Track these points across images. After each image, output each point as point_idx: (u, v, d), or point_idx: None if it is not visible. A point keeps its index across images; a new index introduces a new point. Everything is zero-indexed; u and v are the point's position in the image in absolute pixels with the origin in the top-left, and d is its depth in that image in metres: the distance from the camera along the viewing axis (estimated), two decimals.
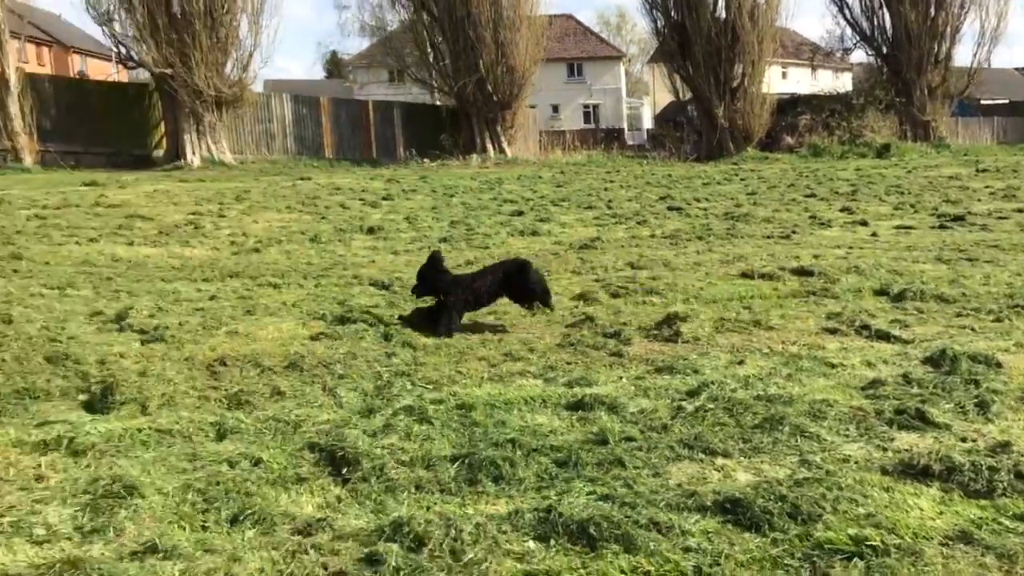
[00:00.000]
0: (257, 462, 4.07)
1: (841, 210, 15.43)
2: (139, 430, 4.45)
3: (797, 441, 4.29)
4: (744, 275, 8.87)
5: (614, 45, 69.96)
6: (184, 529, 3.45)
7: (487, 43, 35.38)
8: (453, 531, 3.19)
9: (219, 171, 27.92)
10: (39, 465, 4.02)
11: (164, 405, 4.91)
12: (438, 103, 41.11)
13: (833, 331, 6.55)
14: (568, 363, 5.82)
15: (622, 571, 3.04)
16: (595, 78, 62.12)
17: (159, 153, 31.05)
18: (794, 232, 12.50)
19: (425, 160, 34.28)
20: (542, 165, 34.03)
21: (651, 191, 20.27)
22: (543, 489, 3.81)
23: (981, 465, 3.80)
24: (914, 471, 3.86)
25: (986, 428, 4.45)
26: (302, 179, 24.07)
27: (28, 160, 27.37)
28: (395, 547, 3.12)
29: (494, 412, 4.77)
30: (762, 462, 4.07)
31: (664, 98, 64.90)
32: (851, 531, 3.27)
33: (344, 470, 3.97)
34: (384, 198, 18.66)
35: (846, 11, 43.88)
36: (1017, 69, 74.82)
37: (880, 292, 7.89)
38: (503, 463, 3.95)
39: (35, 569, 3.09)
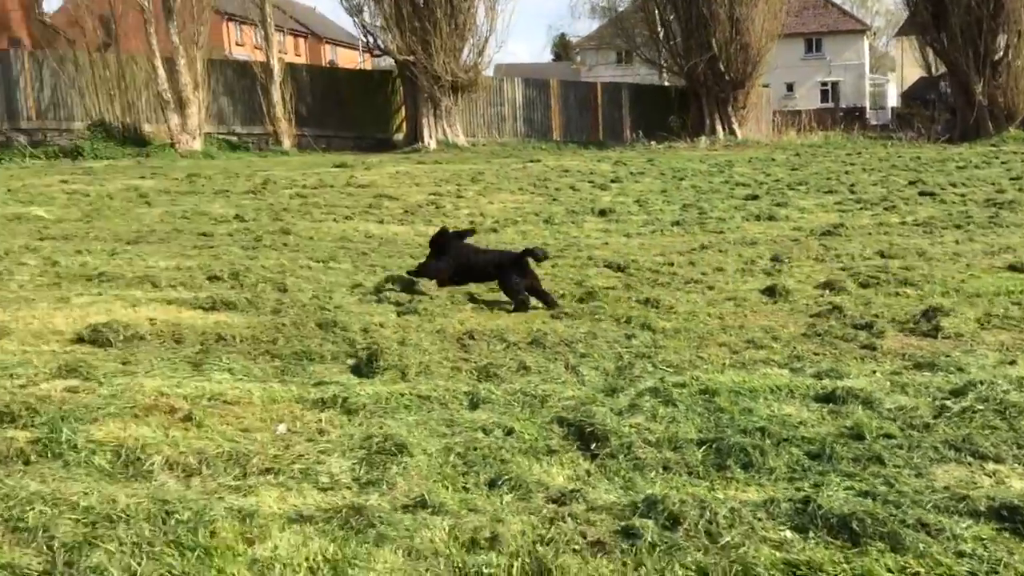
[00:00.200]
0: (509, 432, 4.28)
1: None
2: (401, 394, 4.81)
3: None
4: (1012, 268, 8.13)
5: (857, 18, 65.60)
6: (447, 488, 3.70)
7: (721, 20, 34.38)
8: (708, 513, 3.21)
9: (453, 153, 29.21)
10: (319, 420, 4.45)
11: (421, 373, 5.26)
12: (666, 84, 40.59)
13: None
14: (815, 354, 5.63)
15: (889, 570, 2.93)
16: (835, 54, 58.71)
17: (399, 136, 32.96)
18: None
19: (652, 142, 34.01)
20: (775, 147, 32.72)
21: (898, 175, 18.95)
22: (795, 480, 3.74)
23: None
24: None
25: None
26: (532, 161, 24.66)
27: (286, 143, 29.96)
28: (650, 523, 3.18)
29: (739, 399, 4.71)
30: None
31: (912, 74, 60.12)
32: None
33: (593, 445, 4.09)
34: (613, 180, 18.75)
35: None
36: None
37: None
38: (753, 450, 3.91)
39: (323, 512, 3.43)
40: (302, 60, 57.99)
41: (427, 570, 2.99)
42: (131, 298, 7.09)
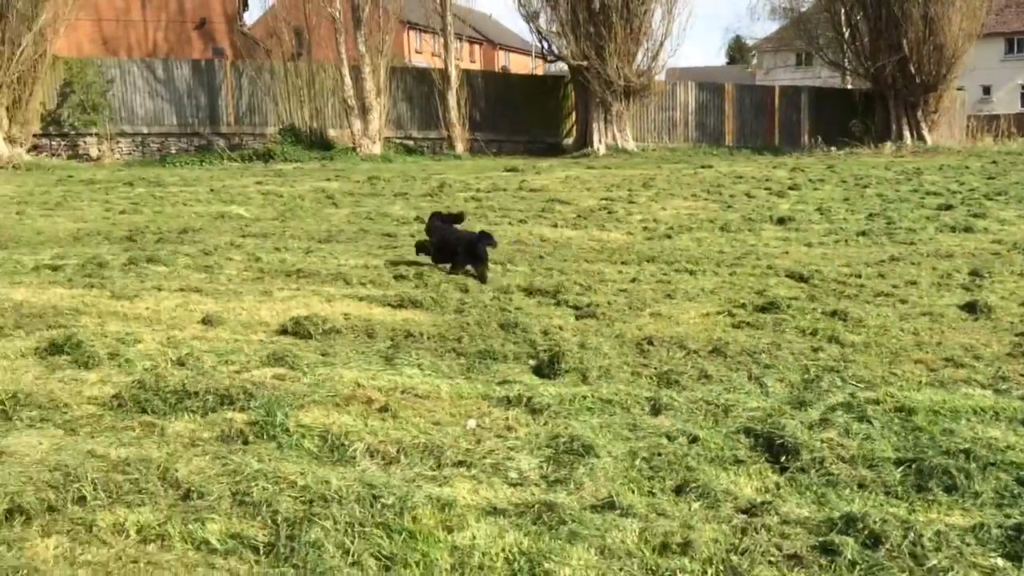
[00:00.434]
0: (694, 439, 4.27)
1: None
2: (584, 397, 4.89)
3: None
4: None
5: None
6: (633, 492, 3.75)
7: (914, 19, 32.45)
8: (912, 534, 3.10)
9: (622, 158, 29.11)
10: (506, 418, 4.60)
11: (602, 376, 5.32)
12: (849, 87, 38.76)
13: None
14: (1023, 375, 5.27)
15: None
16: None
17: (568, 141, 33.19)
18: None
19: (832, 148, 32.59)
20: (968, 154, 30.57)
21: None
22: (1004, 506, 3.54)
23: None
24: None
25: None
26: (703, 167, 24.21)
27: (460, 148, 30.83)
28: (850, 540, 3.11)
29: (938, 419, 4.50)
30: None
31: None
32: None
33: (782, 458, 4.02)
34: (790, 187, 18.13)
35: None
36: None
37: None
38: (957, 473, 3.73)
39: (515, 506, 3.55)
40: (476, 66, 59.52)
41: (621, 569, 3.04)
42: (326, 294, 7.56)
